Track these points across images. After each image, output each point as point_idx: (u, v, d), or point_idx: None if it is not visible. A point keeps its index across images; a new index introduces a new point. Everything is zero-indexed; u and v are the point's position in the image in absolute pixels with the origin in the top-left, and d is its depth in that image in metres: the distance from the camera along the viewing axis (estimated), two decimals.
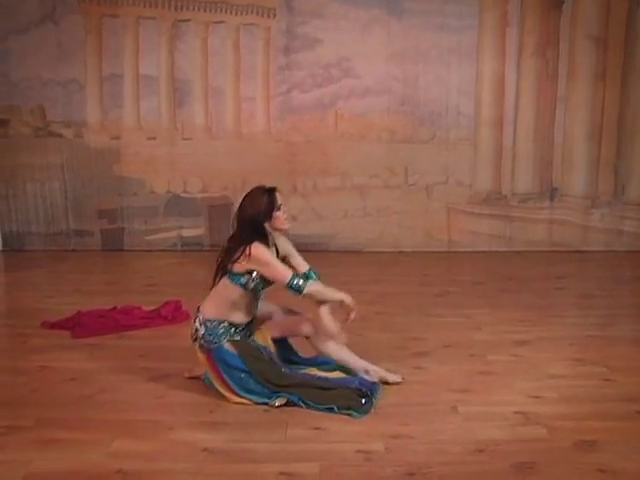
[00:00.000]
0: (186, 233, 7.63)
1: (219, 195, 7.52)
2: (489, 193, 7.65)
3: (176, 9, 7.27)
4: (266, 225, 3.35)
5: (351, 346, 3.58)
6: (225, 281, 3.33)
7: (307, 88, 7.43)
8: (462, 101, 7.48)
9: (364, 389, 3.25)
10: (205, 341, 3.33)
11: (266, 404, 3.25)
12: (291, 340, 3.63)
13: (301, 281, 3.24)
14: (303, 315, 3.50)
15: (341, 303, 3.35)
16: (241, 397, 3.29)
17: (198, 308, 3.42)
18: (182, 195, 7.57)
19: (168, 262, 7.07)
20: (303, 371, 3.46)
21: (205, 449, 2.82)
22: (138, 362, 3.91)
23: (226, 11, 7.30)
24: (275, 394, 3.26)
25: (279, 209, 3.35)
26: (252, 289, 3.30)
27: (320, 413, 3.16)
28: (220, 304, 3.35)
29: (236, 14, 7.30)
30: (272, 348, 3.44)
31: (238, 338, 3.35)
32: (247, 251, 3.22)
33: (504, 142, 7.57)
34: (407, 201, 7.57)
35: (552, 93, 7.49)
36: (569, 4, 7.32)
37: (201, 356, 3.38)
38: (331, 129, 7.50)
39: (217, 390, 3.38)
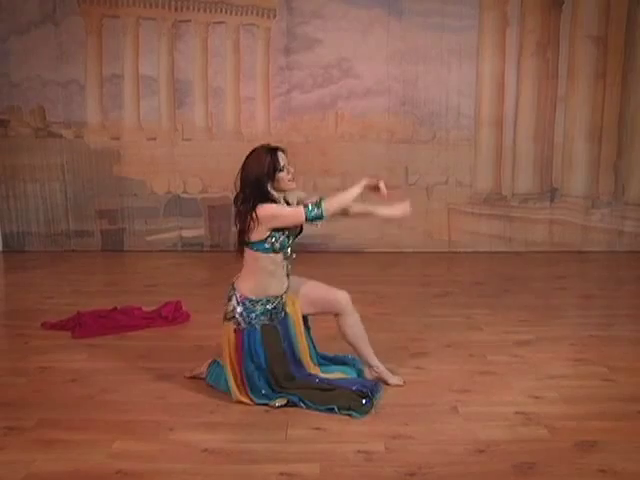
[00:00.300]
0: (186, 233, 7.63)
1: (219, 195, 7.52)
2: (489, 193, 7.65)
3: (176, 10, 7.27)
4: (269, 186, 3.29)
5: (350, 347, 3.58)
6: (250, 252, 3.31)
7: (307, 88, 7.43)
8: (462, 101, 7.48)
9: (365, 390, 3.25)
10: (243, 319, 3.29)
11: (266, 404, 3.25)
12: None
13: (316, 208, 3.18)
14: (341, 291, 3.46)
15: (364, 190, 3.39)
16: (243, 393, 3.28)
17: (233, 285, 3.37)
18: (182, 196, 7.57)
19: (168, 262, 7.07)
20: (310, 371, 3.43)
21: (205, 449, 2.82)
22: (138, 362, 3.91)
23: (226, 11, 7.30)
24: (277, 394, 3.26)
25: (282, 170, 3.28)
26: (279, 249, 3.26)
27: (320, 413, 3.16)
28: (255, 277, 3.31)
29: (236, 14, 7.30)
30: (299, 326, 3.40)
31: (270, 321, 3.31)
32: (254, 217, 3.22)
33: (504, 142, 7.56)
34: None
35: (552, 93, 7.49)
36: (569, 4, 7.32)
37: (230, 336, 3.30)
38: (331, 129, 7.50)
39: (219, 388, 3.41)
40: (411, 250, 7.54)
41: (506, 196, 7.66)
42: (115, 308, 4.91)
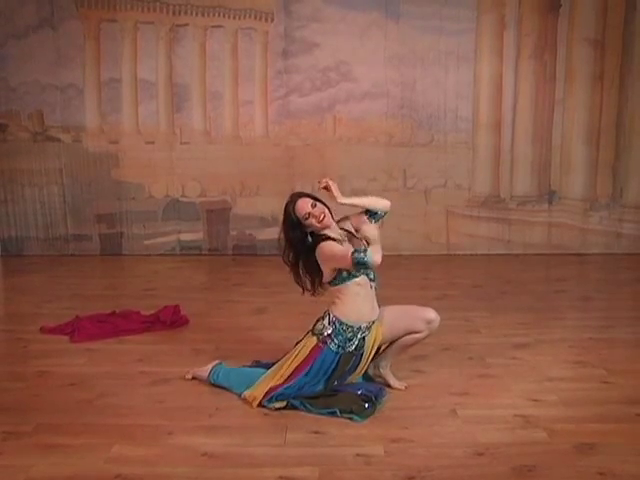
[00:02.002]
0: (185, 237, 7.63)
1: (218, 199, 7.52)
2: (488, 196, 7.66)
3: (174, 14, 7.28)
4: (308, 231, 3.29)
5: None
6: (334, 290, 3.33)
7: (305, 92, 7.43)
8: (460, 104, 7.48)
9: (369, 394, 3.24)
10: (330, 339, 3.30)
11: (266, 407, 3.25)
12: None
13: (362, 253, 3.12)
14: (420, 308, 3.47)
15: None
16: (260, 394, 3.27)
17: (329, 308, 3.38)
18: (181, 199, 7.57)
19: (167, 266, 7.07)
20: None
21: (204, 453, 2.82)
22: (137, 367, 3.91)
23: (224, 15, 7.31)
24: (289, 399, 3.26)
25: (307, 218, 3.25)
26: (357, 270, 3.22)
27: (319, 417, 3.15)
28: (346, 305, 3.32)
29: (234, 18, 7.31)
30: (369, 357, 3.39)
31: (355, 349, 3.32)
32: (319, 258, 3.24)
33: (502, 145, 7.57)
34: (406, 204, 7.56)
35: (550, 96, 7.50)
36: (566, 7, 7.33)
37: (309, 348, 3.32)
38: (329, 133, 7.50)
39: (220, 383, 3.46)
40: (410, 253, 7.54)
41: (504, 199, 7.67)
42: (114, 312, 4.90)
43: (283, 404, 3.24)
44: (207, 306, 5.34)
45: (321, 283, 3.35)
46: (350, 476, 2.65)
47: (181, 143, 7.48)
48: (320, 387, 3.31)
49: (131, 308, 5.00)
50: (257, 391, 3.31)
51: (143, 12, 7.25)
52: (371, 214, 3.40)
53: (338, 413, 3.15)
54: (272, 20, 7.31)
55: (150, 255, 7.52)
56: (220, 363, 3.63)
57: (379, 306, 3.44)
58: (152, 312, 4.88)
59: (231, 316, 5.00)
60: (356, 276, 3.27)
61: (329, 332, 3.32)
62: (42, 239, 7.60)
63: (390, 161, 7.54)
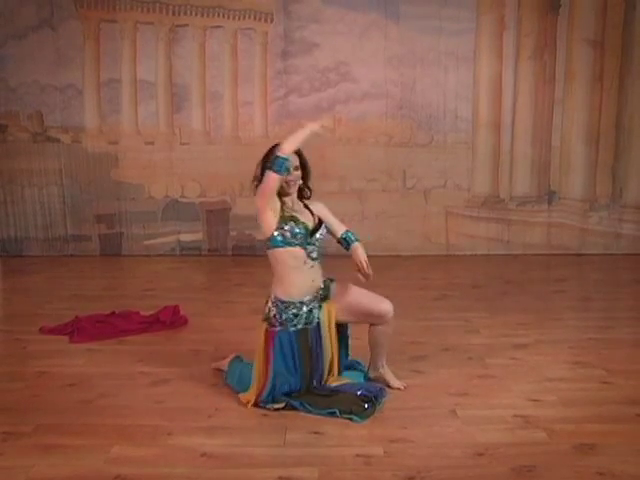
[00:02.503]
0: (184, 238, 7.63)
1: (217, 200, 7.52)
2: (487, 196, 7.66)
3: (174, 14, 7.28)
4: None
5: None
6: (271, 254, 3.33)
7: (305, 92, 7.43)
8: (460, 104, 7.49)
9: (369, 395, 3.24)
10: (276, 320, 3.29)
11: (265, 408, 3.25)
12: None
13: (278, 159, 3.19)
14: (377, 297, 3.50)
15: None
16: (256, 393, 3.28)
17: (270, 289, 3.39)
18: (180, 200, 7.57)
19: (166, 267, 7.07)
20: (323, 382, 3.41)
21: (204, 454, 2.82)
22: (137, 367, 3.91)
23: (223, 16, 7.31)
24: (284, 398, 3.26)
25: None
26: (293, 238, 3.25)
27: (319, 417, 3.15)
28: (283, 278, 3.33)
29: (233, 19, 7.31)
30: (332, 337, 3.38)
31: (304, 325, 3.30)
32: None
33: (502, 145, 7.57)
34: (405, 205, 7.57)
35: (549, 96, 7.51)
36: (566, 7, 7.34)
37: (263, 336, 3.32)
38: (329, 133, 7.50)
39: (232, 384, 3.44)
40: (409, 253, 7.54)
41: (504, 199, 7.67)
42: (113, 312, 4.90)
43: (282, 405, 3.24)
44: (207, 306, 5.34)
45: (264, 235, 3.33)
46: (350, 476, 2.65)
47: (181, 143, 7.48)
48: (299, 373, 3.27)
49: (131, 308, 4.99)
50: (249, 394, 3.32)
51: (143, 12, 7.25)
52: (347, 241, 3.61)
53: (338, 413, 3.15)
54: (272, 20, 7.32)
55: (150, 255, 7.52)
56: (237, 356, 3.64)
57: (329, 281, 3.47)
58: (152, 312, 4.88)
59: (231, 316, 5.00)
60: (292, 244, 3.26)
61: (274, 313, 3.31)
62: (42, 239, 7.60)
63: (390, 161, 7.54)
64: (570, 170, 7.62)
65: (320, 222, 3.43)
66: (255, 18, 7.32)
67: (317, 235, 3.37)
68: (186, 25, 7.32)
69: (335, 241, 3.60)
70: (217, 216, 7.54)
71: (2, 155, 7.43)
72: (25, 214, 7.55)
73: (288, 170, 3.24)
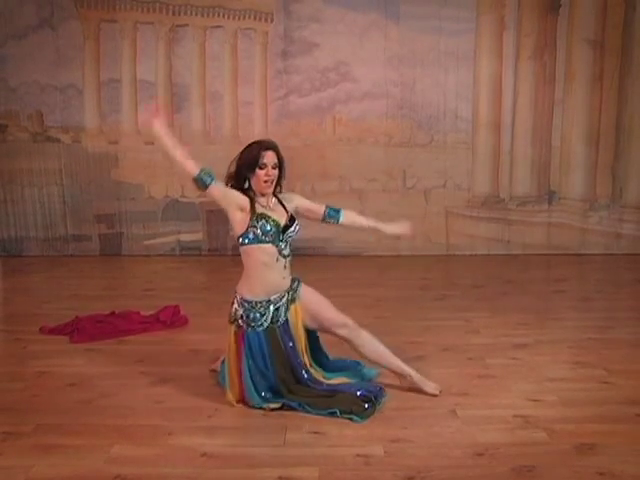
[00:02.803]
0: (184, 238, 7.63)
1: None
2: (487, 196, 7.66)
3: (174, 14, 7.28)
4: (249, 180, 3.35)
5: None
6: (242, 250, 3.31)
7: (305, 92, 7.44)
8: (460, 105, 7.49)
9: (369, 395, 3.24)
10: (243, 321, 3.29)
11: (262, 408, 3.25)
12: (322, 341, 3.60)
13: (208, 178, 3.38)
14: (344, 319, 3.46)
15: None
16: (237, 395, 3.29)
17: (236, 289, 3.39)
18: (180, 200, 7.57)
19: (166, 267, 7.07)
20: (314, 376, 3.40)
21: (204, 454, 2.82)
22: (137, 367, 3.91)
23: (224, 16, 7.31)
24: (276, 398, 3.25)
25: (262, 168, 3.30)
26: (264, 236, 3.25)
27: (319, 417, 3.15)
28: (251, 275, 3.32)
29: (234, 19, 7.31)
30: (300, 337, 3.39)
31: (272, 323, 3.30)
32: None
33: (502, 145, 7.58)
34: (405, 205, 7.56)
35: (549, 96, 7.51)
36: (566, 7, 7.34)
37: (232, 337, 3.32)
38: (329, 133, 7.51)
39: (224, 387, 3.40)
40: (409, 253, 7.54)
41: (504, 199, 7.67)
42: (113, 312, 4.90)
43: (278, 405, 3.24)
44: (207, 306, 5.33)
45: (235, 232, 3.33)
46: (350, 476, 2.65)
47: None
48: (272, 372, 3.27)
49: (131, 308, 4.99)
50: (231, 394, 3.32)
51: (143, 12, 7.25)
52: (330, 211, 3.52)
53: (338, 413, 3.14)
54: (272, 20, 7.32)
55: (150, 255, 7.52)
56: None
57: (297, 281, 3.45)
58: (152, 312, 4.88)
59: None
60: (263, 241, 3.25)
61: (240, 313, 3.30)
62: (42, 239, 7.60)
63: (390, 161, 7.54)
64: (570, 170, 7.62)
65: (292, 218, 3.39)
66: (255, 18, 7.32)
67: (289, 232, 3.33)
68: (186, 25, 7.32)
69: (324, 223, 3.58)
70: (217, 216, 7.52)
71: (2, 155, 7.43)
72: (25, 214, 7.55)
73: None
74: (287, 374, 3.30)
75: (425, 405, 3.33)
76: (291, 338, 3.34)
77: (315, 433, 3.01)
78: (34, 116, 7.39)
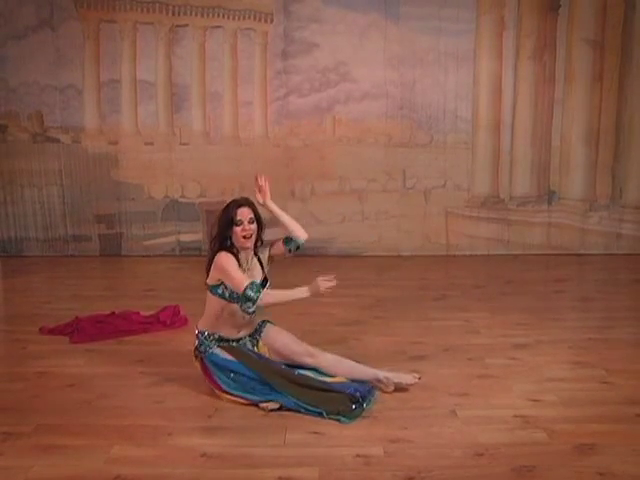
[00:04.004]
0: (184, 238, 7.63)
1: (217, 200, 7.49)
2: (487, 197, 7.66)
3: (173, 14, 7.28)
4: (231, 238, 3.38)
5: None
6: (208, 294, 3.43)
7: (305, 92, 7.44)
8: (459, 105, 7.49)
9: (357, 395, 3.24)
10: (199, 352, 3.44)
11: (256, 405, 3.25)
12: None
13: (253, 291, 3.20)
14: (307, 348, 3.52)
15: (309, 296, 3.31)
16: (232, 395, 3.33)
17: (197, 325, 3.54)
18: (180, 200, 7.57)
19: (166, 267, 7.07)
20: (302, 372, 3.43)
21: (204, 454, 2.82)
22: (137, 367, 3.91)
23: (223, 16, 7.31)
24: (272, 394, 3.26)
25: (237, 224, 3.35)
26: (231, 299, 3.33)
27: (319, 418, 3.15)
28: (208, 316, 3.47)
29: (233, 19, 7.31)
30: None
31: (243, 345, 3.45)
32: (214, 261, 3.33)
33: (502, 145, 7.58)
34: (405, 205, 7.57)
35: (549, 96, 7.51)
36: (565, 7, 7.34)
37: (197, 366, 3.48)
38: (329, 133, 7.51)
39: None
40: (409, 253, 7.55)
41: (504, 199, 7.67)
42: (113, 313, 4.90)
43: (277, 405, 3.24)
44: None
45: (208, 281, 3.40)
46: (349, 476, 2.65)
47: (180, 144, 7.49)
48: (253, 371, 3.32)
49: (130, 309, 4.99)
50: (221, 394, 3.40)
51: (142, 13, 7.25)
52: (287, 241, 3.51)
53: (324, 414, 3.14)
54: (271, 21, 7.32)
55: (149, 256, 7.52)
56: None
57: (263, 324, 3.58)
58: (152, 313, 4.88)
59: None
60: (230, 302, 3.34)
61: (197, 344, 3.46)
62: (42, 240, 7.60)
63: (389, 162, 7.54)
64: (570, 170, 7.62)
65: (265, 280, 3.46)
66: (255, 18, 7.32)
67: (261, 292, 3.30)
68: (186, 25, 7.32)
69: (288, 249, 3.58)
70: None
71: (2, 155, 7.43)
72: (25, 214, 7.55)
73: (245, 302, 3.26)
74: (267, 369, 3.34)
75: (425, 405, 3.33)
76: (258, 354, 3.47)
77: (315, 433, 3.01)
78: (34, 116, 7.39)
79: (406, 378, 3.50)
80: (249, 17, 7.31)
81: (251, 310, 3.30)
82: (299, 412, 3.20)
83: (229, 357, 3.37)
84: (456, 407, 3.29)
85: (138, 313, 4.89)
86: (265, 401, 3.27)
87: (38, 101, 7.36)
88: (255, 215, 3.41)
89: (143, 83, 7.39)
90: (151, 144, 7.49)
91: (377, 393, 3.38)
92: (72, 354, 4.16)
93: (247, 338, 3.52)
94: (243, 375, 3.33)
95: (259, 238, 3.48)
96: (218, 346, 3.41)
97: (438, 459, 2.77)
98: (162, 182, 7.53)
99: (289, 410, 3.22)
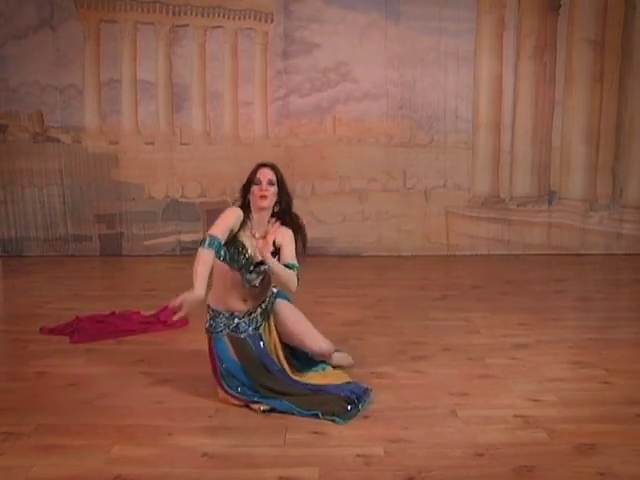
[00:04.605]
0: (185, 238, 7.63)
1: (218, 200, 7.52)
2: (487, 197, 7.66)
3: (174, 14, 7.28)
4: (251, 200, 3.35)
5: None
6: (215, 261, 3.30)
7: (305, 92, 7.44)
8: (460, 105, 7.49)
9: (352, 396, 3.23)
10: (208, 330, 3.39)
11: (249, 403, 3.26)
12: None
13: (205, 243, 3.19)
14: (322, 344, 3.49)
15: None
16: (226, 393, 3.31)
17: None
18: (180, 200, 7.57)
19: (167, 267, 7.07)
20: (296, 378, 3.42)
21: (205, 454, 2.82)
22: (137, 367, 3.90)
23: (224, 16, 7.31)
24: (263, 397, 3.26)
25: (256, 183, 3.33)
26: (227, 260, 3.27)
27: (316, 419, 3.14)
28: (215, 287, 3.38)
29: (234, 19, 7.32)
30: (276, 346, 3.42)
31: (239, 334, 3.35)
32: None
33: (502, 145, 7.58)
34: (406, 205, 7.57)
35: (550, 96, 7.51)
36: (566, 7, 7.35)
37: (207, 343, 3.44)
38: (329, 133, 7.51)
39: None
40: (410, 253, 7.55)
41: (504, 199, 7.68)
42: (113, 313, 4.90)
43: (267, 407, 3.23)
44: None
45: None
46: (350, 476, 2.65)
47: (181, 144, 7.49)
48: (248, 376, 3.29)
49: (131, 309, 5.00)
50: (220, 394, 3.36)
51: (143, 13, 7.26)
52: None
53: (320, 415, 3.13)
54: (272, 21, 7.32)
55: (150, 256, 7.52)
56: None
57: (272, 295, 3.45)
58: (152, 312, 4.88)
59: None
60: (232, 266, 3.28)
61: (207, 319, 3.40)
62: (42, 240, 7.61)
63: (390, 161, 7.54)
64: (570, 170, 7.63)
65: (274, 253, 3.31)
66: (255, 18, 7.32)
67: (261, 268, 3.27)
68: (186, 25, 7.32)
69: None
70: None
71: (2, 155, 7.43)
72: (25, 214, 7.55)
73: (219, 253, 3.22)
74: (262, 375, 3.31)
75: (425, 405, 3.32)
76: (261, 339, 3.38)
77: (315, 433, 3.01)
78: (34, 116, 7.39)
79: (345, 361, 3.60)
80: (249, 17, 7.32)
81: (249, 277, 3.26)
82: (292, 414, 3.20)
83: (233, 356, 3.32)
84: (456, 407, 3.28)
85: (138, 313, 4.89)
86: (256, 402, 3.26)
87: (38, 101, 7.36)
88: (277, 178, 3.38)
89: (143, 83, 7.39)
90: (151, 144, 7.49)
91: (373, 394, 3.36)
92: (72, 354, 4.16)
93: (258, 311, 3.39)
94: (237, 380, 3.30)
95: (281, 204, 3.40)
96: (228, 334, 3.34)
97: (438, 459, 2.77)
98: (162, 182, 7.54)
99: (285, 412, 3.22)
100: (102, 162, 7.48)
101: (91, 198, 7.53)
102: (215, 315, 3.38)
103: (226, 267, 3.30)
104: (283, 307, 3.48)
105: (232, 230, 3.27)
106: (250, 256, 3.29)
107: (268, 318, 3.43)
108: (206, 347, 4.17)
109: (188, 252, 7.57)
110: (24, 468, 2.69)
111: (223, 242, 3.22)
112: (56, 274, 6.77)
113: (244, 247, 3.30)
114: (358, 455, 2.80)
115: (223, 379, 3.32)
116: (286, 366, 3.43)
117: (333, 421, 3.10)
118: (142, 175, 7.50)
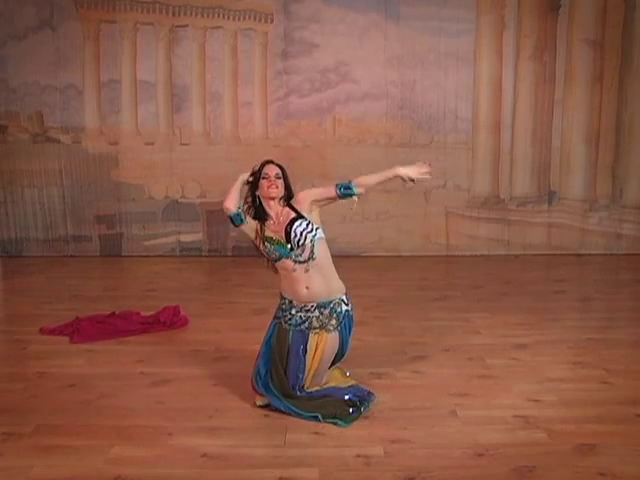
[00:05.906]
0: (184, 238, 7.63)
1: (217, 200, 7.48)
2: (487, 197, 7.66)
3: (174, 15, 7.28)
4: (261, 196, 3.51)
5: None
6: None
7: (305, 93, 7.44)
8: (460, 105, 7.49)
9: (355, 399, 3.24)
10: (275, 315, 3.43)
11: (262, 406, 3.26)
12: None
13: (234, 214, 3.45)
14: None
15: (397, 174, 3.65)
16: (255, 378, 3.32)
17: None
18: (180, 200, 7.57)
19: (167, 267, 7.07)
20: (305, 393, 3.35)
21: (204, 454, 2.82)
22: (137, 367, 3.91)
23: (224, 16, 7.31)
24: (266, 390, 3.26)
25: (264, 178, 3.49)
26: (279, 258, 3.35)
27: (316, 422, 3.14)
28: (282, 280, 3.45)
29: (234, 19, 7.31)
30: (314, 360, 3.32)
31: (288, 324, 3.32)
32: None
33: (502, 146, 7.58)
34: (405, 205, 7.57)
35: (549, 96, 7.51)
36: (566, 8, 7.34)
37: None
38: (329, 134, 7.51)
39: None
40: (409, 254, 7.55)
41: (504, 199, 7.67)
42: (113, 313, 4.90)
43: (265, 402, 3.24)
44: (207, 307, 5.34)
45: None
46: (350, 477, 2.65)
47: (181, 144, 7.49)
48: (267, 366, 3.31)
49: (131, 309, 5.00)
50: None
51: (143, 13, 7.26)
52: (341, 186, 3.72)
53: (320, 418, 3.13)
54: (272, 21, 7.32)
55: (150, 256, 7.52)
56: None
57: (327, 309, 3.36)
58: (152, 313, 4.89)
59: (231, 317, 5.00)
60: (275, 259, 3.38)
61: (278, 306, 3.43)
62: (42, 240, 7.60)
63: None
64: (570, 170, 7.63)
65: (293, 221, 3.45)
66: (255, 19, 7.32)
67: (292, 237, 3.37)
68: (186, 26, 7.32)
69: (340, 203, 3.79)
70: (217, 216, 7.52)
71: (2, 155, 7.43)
72: (25, 215, 7.55)
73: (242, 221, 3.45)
74: (277, 371, 3.29)
75: (425, 405, 3.33)
76: (305, 344, 3.28)
77: (315, 434, 3.01)
78: (34, 117, 7.39)
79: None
80: (249, 17, 7.32)
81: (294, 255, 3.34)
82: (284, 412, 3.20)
83: (273, 343, 3.33)
84: (456, 407, 3.29)
85: (138, 313, 4.89)
86: (258, 393, 3.28)
87: (38, 101, 7.36)
88: (284, 174, 3.60)
89: (143, 83, 7.39)
90: (151, 144, 7.49)
91: (375, 397, 3.35)
92: (72, 354, 4.16)
93: (316, 312, 3.31)
94: (264, 364, 3.32)
95: (289, 195, 3.63)
96: (280, 323, 3.36)
97: (438, 459, 2.77)
98: (162, 182, 7.53)
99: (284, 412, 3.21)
100: (102, 162, 7.48)
101: (91, 198, 7.53)
102: (281, 303, 3.41)
103: (277, 265, 3.39)
104: (329, 339, 3.32)
105: (255, 239, 3.43)
106: (279, 241, 3.37)
107: (324, 329, 3.30)
108: (206, 347, 4.21)
109: (188, 252, 7.59)
110: (24, 468, 2.70)
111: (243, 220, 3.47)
112: (56, 274, 6.77)
113: (270, 239, 3.37)
114: (358, 455, 2.80)
115: (257, 360, 3.36)
116: (308, 381, 3.34)
117: (335, 424, 3.10)
118: (142, 175, 7.50)
